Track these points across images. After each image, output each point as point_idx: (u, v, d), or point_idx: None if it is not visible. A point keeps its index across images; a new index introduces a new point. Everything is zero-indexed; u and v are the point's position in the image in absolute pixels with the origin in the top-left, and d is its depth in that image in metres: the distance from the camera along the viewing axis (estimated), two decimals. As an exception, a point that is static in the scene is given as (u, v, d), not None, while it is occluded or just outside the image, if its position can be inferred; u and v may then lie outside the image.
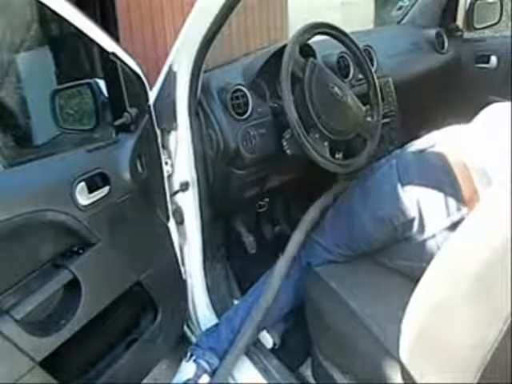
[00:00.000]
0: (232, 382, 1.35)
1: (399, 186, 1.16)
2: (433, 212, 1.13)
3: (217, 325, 1.42)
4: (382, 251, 1.25)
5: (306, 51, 1.42)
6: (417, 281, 0.77)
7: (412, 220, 1.14)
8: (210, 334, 1.41)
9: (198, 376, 1.34)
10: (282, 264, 1.32)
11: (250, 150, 1.36)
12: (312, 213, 1.36)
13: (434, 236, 1.13)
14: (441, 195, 1.12)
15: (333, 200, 1.39)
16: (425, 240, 1.14)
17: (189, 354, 1.40)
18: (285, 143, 1.36)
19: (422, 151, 1.21)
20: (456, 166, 1.12)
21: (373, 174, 1.29)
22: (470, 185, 1.10)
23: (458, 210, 1.10)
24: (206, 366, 1.35)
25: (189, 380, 1.35)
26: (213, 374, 1.34)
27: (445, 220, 1.11)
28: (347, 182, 1.39)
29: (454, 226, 1.09)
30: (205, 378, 1.35)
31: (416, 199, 1.14)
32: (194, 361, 1.37)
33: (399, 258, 1.22)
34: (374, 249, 1.26)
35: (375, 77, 1.51)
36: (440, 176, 1.13)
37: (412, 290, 0.78)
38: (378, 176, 1.26)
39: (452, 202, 1.11)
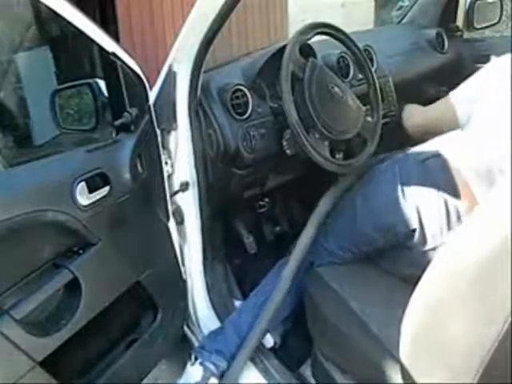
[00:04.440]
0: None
1: (401, 196, 1.17)
2: (434, 225, 1.14)
3: (221, 328, 1.41)
4: (384, 258, 1.26)
5: (306, 51, 1.42)
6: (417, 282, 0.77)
7: (413, 231, 1.15)
8: (215, 337, 1.39)
9: (206, 378, 1.32)
10: (290, 267, 1.30)
11: (250, 149, 1.36)
12: (317, 214, 1.34)
13: (434, 249, 1.14)
14: (442, 207, 1.13)
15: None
16: (427, 251, 1.15)
17: (193, 357, 1.37)
18: (285, 143, 1.36)
19: (424, 160, 1.21)
20: (458, 176, 1.13)
21: (375, 180, 1.29)
22: (470, 194, 1.11)
23: (459, 221, 1.11)
24: (214, 369, 1.33)
25: (197, 383, 1.33)
26: (221, 376, 1.32)
27: (446, 234, 1.13)
28: (352, 177, 1.38)
29: None
30: (213, 381, 1.33)
31: (417, 210, 1.15)
32: (201, 363, 1.34)
33: (402, 265, 1.23)
34: (375, 253, 1.27)
35: (375, 77, 1.50)
36: (442, 186, 1.14)
37: (412, 291, 0.78)
38: (380, 183, 1.27)
39: (453, 213, 1.12)
